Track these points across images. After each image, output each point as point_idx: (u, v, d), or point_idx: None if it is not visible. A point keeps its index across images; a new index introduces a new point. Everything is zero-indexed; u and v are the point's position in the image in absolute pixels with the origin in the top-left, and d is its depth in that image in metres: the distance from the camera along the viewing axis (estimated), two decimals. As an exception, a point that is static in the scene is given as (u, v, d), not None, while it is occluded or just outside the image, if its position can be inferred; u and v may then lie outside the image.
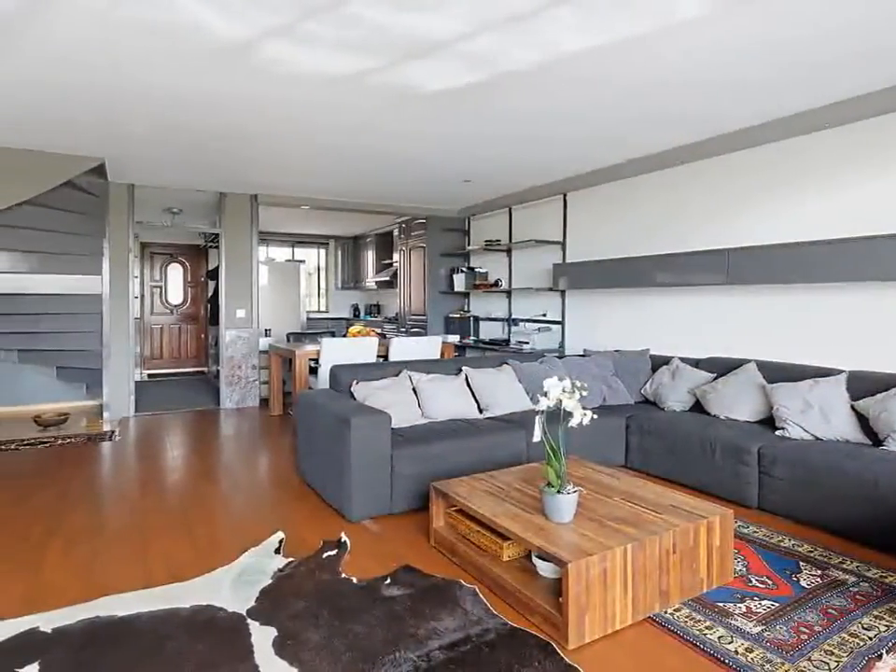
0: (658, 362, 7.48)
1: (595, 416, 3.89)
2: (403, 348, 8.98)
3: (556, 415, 3.90)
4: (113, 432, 8.43)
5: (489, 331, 11.62)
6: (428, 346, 9.20)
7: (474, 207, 11.87)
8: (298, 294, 13.97)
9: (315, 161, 8.29)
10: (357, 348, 8.75)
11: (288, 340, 11.06)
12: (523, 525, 3.77)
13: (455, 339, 10.86)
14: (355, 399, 5.99)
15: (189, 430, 8.86)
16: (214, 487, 6.08)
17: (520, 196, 10.39)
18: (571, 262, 9.31)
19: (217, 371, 11.43)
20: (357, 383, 6.15)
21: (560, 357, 7.74)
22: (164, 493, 5.89)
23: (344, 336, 9.78)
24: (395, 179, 9.50)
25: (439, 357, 9.29)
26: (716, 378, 6.62)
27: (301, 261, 15.36)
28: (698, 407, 6.61)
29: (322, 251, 17.24)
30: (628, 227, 8.46)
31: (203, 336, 15.94)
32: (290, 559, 4.30)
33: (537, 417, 3.93)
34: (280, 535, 4.72)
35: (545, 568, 3.77)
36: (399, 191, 10.52)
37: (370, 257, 16.05)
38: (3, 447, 7.50)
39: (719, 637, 3.29)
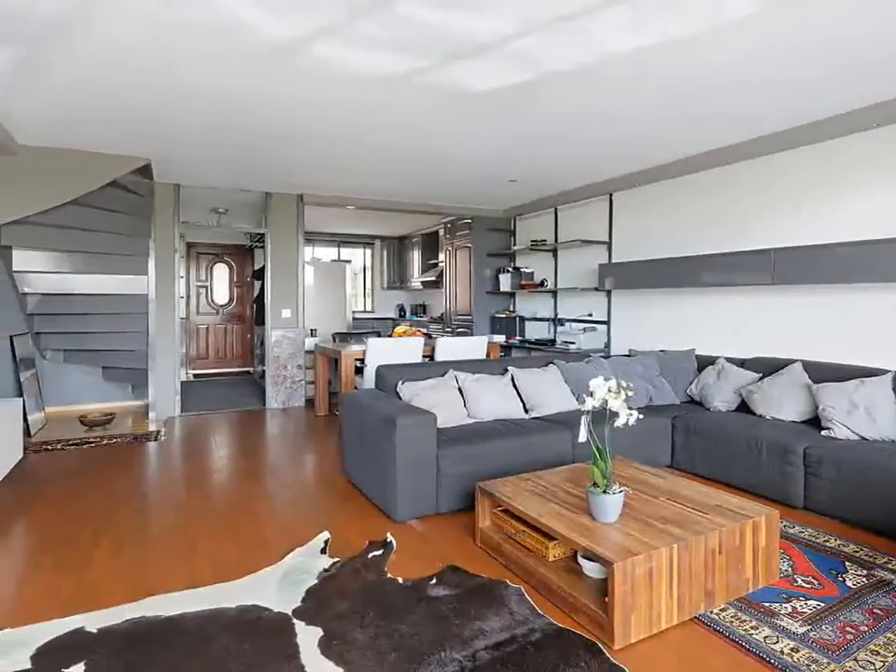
0: (703, 362, 7.54)
1: (641, 416, 3.92)
2: (449, 348, 9.01)
3: (602, 415, 3.94)
4: (158, 432, 8.59)
5: (535, 331, 11.70)
6: (474, 346, 9.21)
7: (520, 207, 11.94)
8: (343, 294, 14.03)
9: (361, 162, 8.38)
10: (403, 348, 8.79)
11: (334, 340, 11.10)
12: (568, 525, 3.80)
13: (500, 339, 10.88)
14: (400, 399, 6.07)
15: (235, 430, 8.99)
16: (259, 487, 6.16)
17: (566, 196, 10.44)
18: (617, 262, 9.37)
19: (263, 371, 11.56)
20: (403, 383, 6.24)
21: (606, 357, 7.80)
22: (210, 493, 5.98)
23: (390, 336, 9.79)
24: (441, 179, 9.57)
25: (484, 357, 9.28)
26: (761, 378, 6.65)
27: (346, 261, 15.46)
28: (744, 407, 6.66)
29: (368, 251, 17.31)
30: (674, 227, 8.49)
31: (248, 336, 16.10)
32: (336, 559, 4.35)
33: (582, 417, 3.95)
34: (326, 535, 4.79)
35: (591, 568, 3.81)
36: (445, 191, 10.60)
37: (415, 257, 16.15)
38: (49, 447, 7.64)
39: (764, 638, 3.32)
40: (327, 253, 16.54)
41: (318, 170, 8.90)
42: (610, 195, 9.62)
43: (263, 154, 7.96)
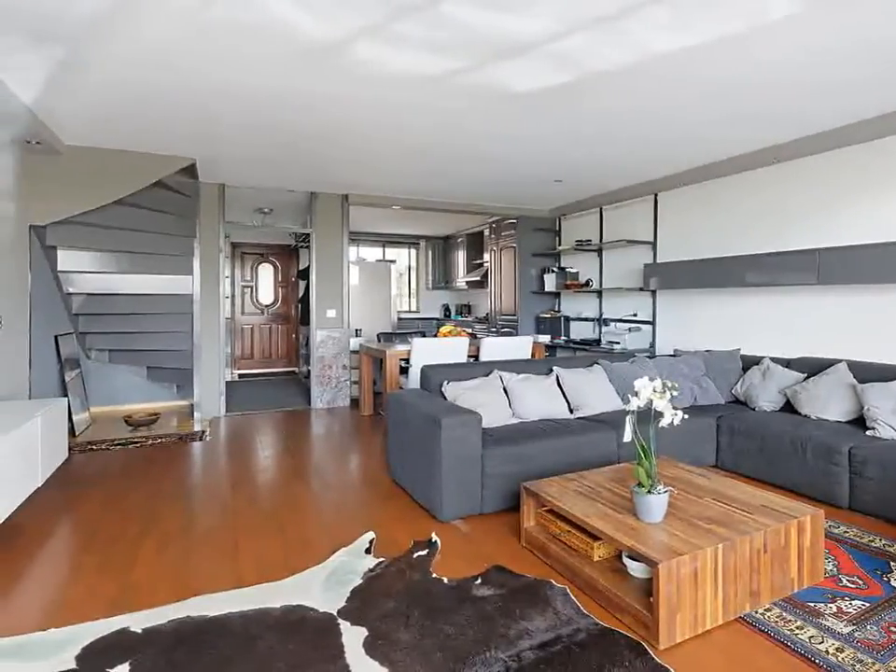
0: (749, 362, 7.59)
1: (686, 416, 3.96)
2: (494, 348, 9.10)
3: (647, 415, 3.99)
4: (204, 432, 8.71)
5: (580, 331, 11.76)
6: (519, 346, 9.26)
7: (565, 207, 12.00)
8: (388, 294, 14.11)
9: (405, 162, 8.51)
10: (448, 348, 8.87)
11: (379, 340, 11.20)
12: (614, 525, 3.85)
13: (545, 339, 10.92)
14: (445, 399, 6.15)
15: (280, 430, 9.10)
16: (304, 487, 6.23)
17: (611, 196, 10.51)
18: (662, 262, 9.43)
19: (308, 371, 11.69)
20: (448, 383, 6.33)
21: (651, 357, 7.86)
22: (255, 493, 6.05)
23: (435, 336, 9.84)
24: (486, 179, 9.66)
25: (529, 357, 9.33)
26: (806, 378, 6.70)
27: (391, 261, 15.58)
28: (789, 407, 6.72)
29: (413, 251, 17.49)
30: (719, 227, 8.52)
31: (293, 336, 16.31)
32: (381, 559, 4.40)
33: (627, 417, 4.01)
34: (370, 535, 4.84)
35: (636, 568, 3.85)
36: (490, 191, 10.70)
37: (460, 257, 16.25)
38: (94, 447, 7.76)
39: (809, 637, 3.35)
40: (372, 253, 16.73)
41: (361, 170, 9.01)
42: (655, 195, 9.68)
43: (306, 154, 8.07)
